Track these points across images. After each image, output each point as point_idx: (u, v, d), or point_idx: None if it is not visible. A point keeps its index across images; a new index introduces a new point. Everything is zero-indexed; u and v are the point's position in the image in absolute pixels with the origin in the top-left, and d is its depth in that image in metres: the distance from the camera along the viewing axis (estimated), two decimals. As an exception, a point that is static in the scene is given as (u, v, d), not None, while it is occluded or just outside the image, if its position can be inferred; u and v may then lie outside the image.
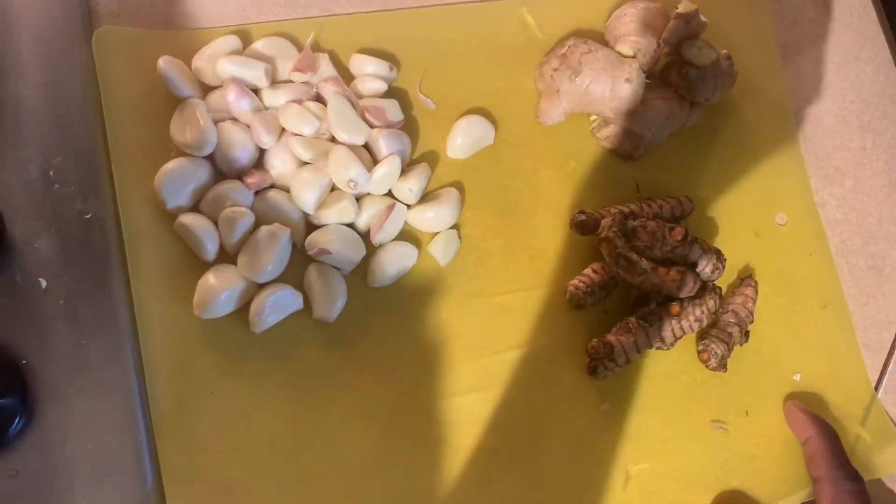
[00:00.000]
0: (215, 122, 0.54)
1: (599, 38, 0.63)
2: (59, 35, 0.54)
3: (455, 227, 0.59)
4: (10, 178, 0.51)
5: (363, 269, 0.56)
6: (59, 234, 0.51)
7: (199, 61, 0.55)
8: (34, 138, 0.52)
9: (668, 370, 0.60)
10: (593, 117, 0.63)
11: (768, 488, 0.59)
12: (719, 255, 0.58)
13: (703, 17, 0.63)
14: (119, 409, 0.50)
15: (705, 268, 0.58)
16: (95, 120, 0.54)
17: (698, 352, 0.60)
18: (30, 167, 0.52)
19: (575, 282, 0.58)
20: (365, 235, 0.57)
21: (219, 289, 0.52)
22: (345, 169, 0.54)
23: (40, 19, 0.54)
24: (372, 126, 0.57)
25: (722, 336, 0.60)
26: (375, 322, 0.56)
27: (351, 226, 0.56)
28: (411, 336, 0.57)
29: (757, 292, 0.62)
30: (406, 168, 0.58)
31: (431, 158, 0.60)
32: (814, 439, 0.57)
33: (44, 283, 0.51)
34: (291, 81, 0.57)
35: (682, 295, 0.57)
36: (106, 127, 0.54)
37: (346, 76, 0.59)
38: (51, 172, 0.52)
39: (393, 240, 0.57)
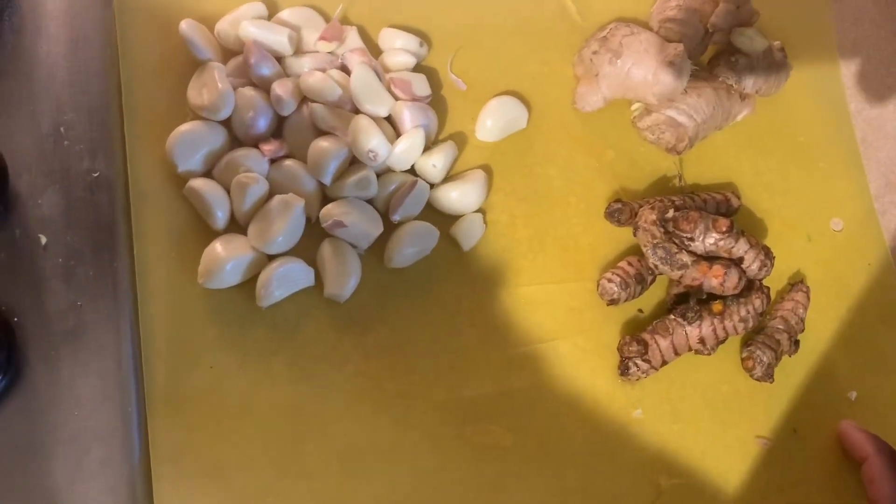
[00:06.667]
0: (234, 88, 0.52)
1: (644, 26, 0.60)
2: (82, -7, 0.53)
3: (481, 211, 0.55)
4: (20, 131, 0.50)
5: (380, 249, 0.53)
6: (65, 192, 0.49)
7: (223, 25, 0.54)
8: (48, 93, 0.51)
9: (709, 378, 0.55)
10: (635, 106, 0.59)
11: (818, 516, 0.53)
12: (767, 252, 0.53)
13: (755, 7, 0.59)
14: (111, 377, 0.47)
15: (752, 264, 0.53)
16: (112, 80, 0.52)
17: (742, 359, 0.55)
18: (41, 122, 0.50)
19: (608, 275, 0.54)
20: (384, 214, 0.53)
21: (226, 258, 0.49)
22: (365, 138, 0.51)
23: (64, -24, 0.53)
24: (397, 99, 0.54)
25: (769, 343, 0.54)
26: (390, 306, 0.53)
27: (370, 203, 0.53)
28: (428, 324, 0.53)
29: (809, 299, 0.57)
30: (431, 145, 0.55)
31: (459, 140, 0.57)
32: (874, 458, 0.51)
33: (44, 241, 0.48)
34: (317, 52, 0.55)
35: (726, 292, 0.52)
36: (122, 86, 0.52)
37: (374, 51, 0.57)
38: (62, 129, 0.50)
39: (414, 219, 0.53)
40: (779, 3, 0.64)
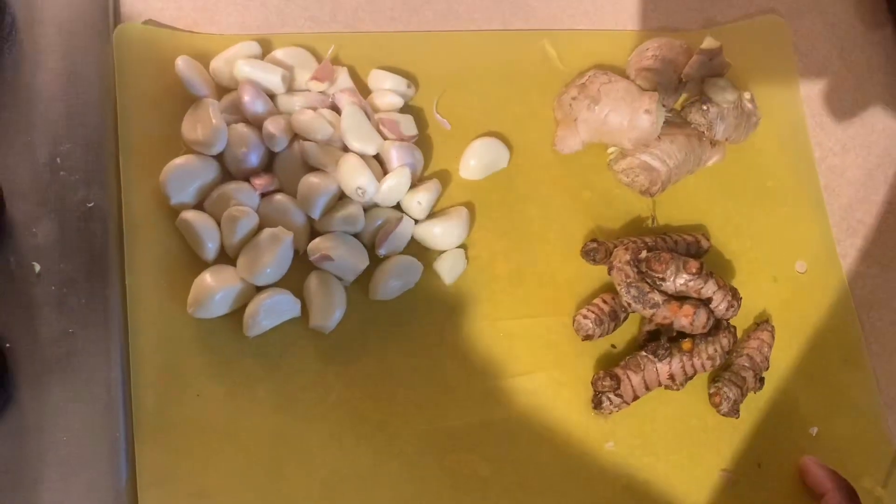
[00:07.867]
0: (228, 124, 0.54)
1: (621, 74, 0.63)
2: (82, 28, 0.54)
3: (463, 246, 0.58)
4: (17, 161, 0.51)
5: (365, 282, 0.55)
6: (60, 221, 0.51)
7: (218, 63, 0.56)
8: (45, 124, 0.52)
9: (678, 412, 0.57)
10: (611, 149, 0.62)
11: (780, 547, 0.56)
12: (735, 293, 0.56)
13: (727, 59, 0.62)
14: (100, 402, 0.48)
15: (720, 304, 0.55)
16: (109, 113, 0.54)
17: (710, 395, 0.57)
18: (38, 152, 0.51)
19: (584, 311, 0.56)
20: (370, 248, 0.55)
21: (215, 288, 0.51)
22: (354, 176, 0.53)
23: (66, 10, 0.54)
24: (385, 138, 0.56)
25: (735, 380, 0.57)
26: (374, 337, 0.54)
27: (357, 237, 0.55)
28: (410, 355, 0.54)
29: (773, 338, 0.59)
30: (417, 183, 0.57)
31: (444, 178, 0.59)
32: (832, 494, 0.53)
33: (37, 268, 0.50)
34: (308, 91, 0.57)
35: (695, 331, 0.55)
36: (118, 120, 0.54)
37: (364, 91, 0.59)
38: (58, 159, 0.52)
39: (398, 253, 0.55)
40: (749, 56, 0.67)
